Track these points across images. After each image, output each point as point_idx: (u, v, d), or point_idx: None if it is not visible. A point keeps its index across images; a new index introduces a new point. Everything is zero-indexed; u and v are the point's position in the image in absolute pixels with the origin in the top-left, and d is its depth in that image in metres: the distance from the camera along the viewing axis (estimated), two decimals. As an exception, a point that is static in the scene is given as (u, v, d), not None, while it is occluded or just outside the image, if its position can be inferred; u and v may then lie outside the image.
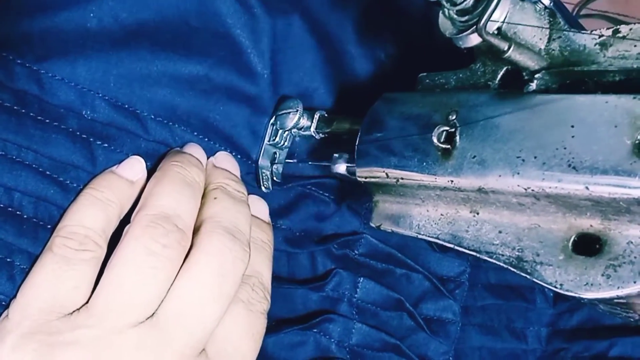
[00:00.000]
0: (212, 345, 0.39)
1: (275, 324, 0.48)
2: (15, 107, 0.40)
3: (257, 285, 0.42)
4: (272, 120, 0.47)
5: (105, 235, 0.38)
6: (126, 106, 0.42)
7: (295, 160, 0.49)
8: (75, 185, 0.40)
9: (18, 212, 0.39)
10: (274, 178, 0.48)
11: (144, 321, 0.36)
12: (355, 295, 0.50)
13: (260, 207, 0.46)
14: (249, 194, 0.45)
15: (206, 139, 0.45)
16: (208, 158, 0.45)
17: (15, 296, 0.37)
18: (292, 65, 0.48)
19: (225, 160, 0.45)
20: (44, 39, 0.40)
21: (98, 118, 0.41)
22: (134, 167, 0.41)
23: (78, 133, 0.41)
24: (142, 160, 0.41)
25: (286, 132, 0.47)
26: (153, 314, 0.37)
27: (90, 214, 0.38)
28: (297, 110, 0.46)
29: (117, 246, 0.37)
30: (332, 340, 0.49)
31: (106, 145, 0.42)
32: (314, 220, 0.50)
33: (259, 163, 0.47)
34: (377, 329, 0.50)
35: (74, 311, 0.36)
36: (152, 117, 0.43)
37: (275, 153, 0.48)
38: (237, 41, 0.45)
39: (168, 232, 0.37)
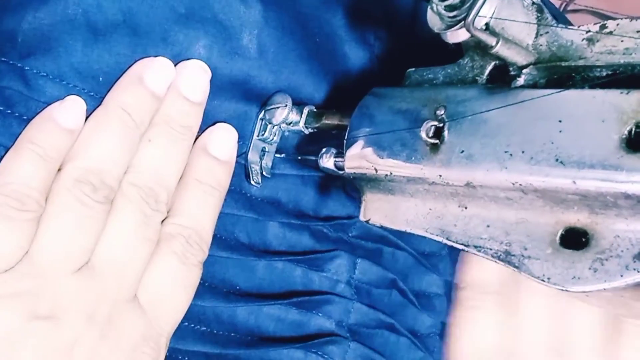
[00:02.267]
0: (144, 294, 0.40)
1: (275, 298, 0.49)
2: (0, 108, 0.40)
3: (194, 237, 0.41)
4: (261, 115, 0.47)
5: (45, 192, 0.38)
6: None
7: (284, 155, 0.49)
8: None
9: None
10: (264, 173, 0.48)
11: (81, 268, 0.38)
12: (354, 276, 0.51)
13: (220, 142, 0.44)
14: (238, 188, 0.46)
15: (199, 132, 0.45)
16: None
17: None
18: (280, 58, 0.48)
19: (191, 67, 0.43)
20: (27, 35, 0.40)
21: (86, 116, 0.41)
22: (74, 112, 0.40)
23: None
24: (82, 102, 0.40)
25: (275, 127, 0.47)
26: (88, 261, 0.38)
27: (32, 171, 0.37)
28: (286, 105, 0.46)
29: (50, 195, 0.38)
30: (332, 320, 0.50)
31: None
32: (311, 203, 0.50)
33: (248, 158, 0.47)
34: (374, 309, 0.51)
35: (13, 264, 0.36)
36: None
37: (264, 148, 0.48)
38: (225, 26, 0.45)
39: (96, 189, 0.38)
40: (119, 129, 0.40)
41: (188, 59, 0.43)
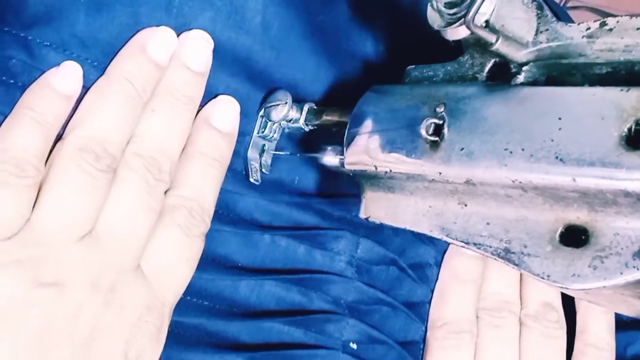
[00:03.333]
0: (148, 264, 0.40)
1: (277, 274, 0.49)
2: (3, 78, 0.40)
3: (196, 209, 0.41)
4: (261, 112, 0.47)
5: (44, 158, 0.38)
6: None
7: (284, 152, 0.49)
8: None
9: None
10: (263, 170, 0.48)
11: (84, 236, 0.38)
12: (355, 255, 0.51)
13: (222, 114, 0.45)
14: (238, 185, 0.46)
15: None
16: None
17: None
18: (283, 35, 0.48)
19: (193, 37, 0.43)
20: (30, 5, 0.40)
21: (87, 84, 0.41)
22: (72, 78, 0.40)
23: None
24: (78, 68, 0.40)
25: (275, 124, 0.47)
26: (91, 230, 0.38)
27: (30, 137, 0.37)
28: (286, 103, 0.46)
29: (52, 163, 0.38)
30: (331, 298, 0.50)
31: None
32: (314, 182, 0.51)
33: (248, 155, 0.47)
34: (373, 287, 0.51)
35: (15, 232, 0.36)
36: None
37: (264, 145, 0.48)
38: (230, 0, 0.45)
39: (99, 158, 0.38)
40: (121, 97, 0.40)
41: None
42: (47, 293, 0.36)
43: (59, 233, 0.37)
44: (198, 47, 0.43)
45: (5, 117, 0.39)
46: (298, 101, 0.47)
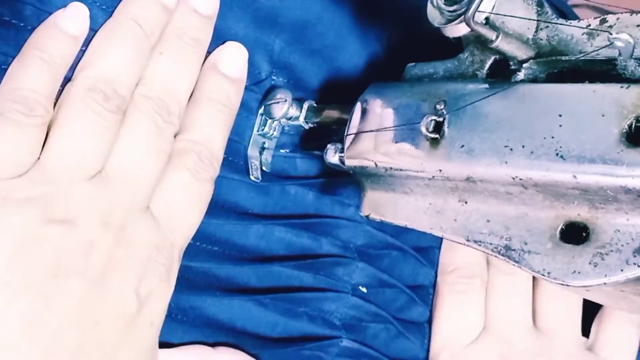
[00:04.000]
0: (157, 205, 0.40)
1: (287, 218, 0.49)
2: (13, 21, 0.40)
3: (205, 153, 0.41)
4: (261, 110, 0.47)
5: (52, 98, 0.38)
6: None
7: (285, 151, 0.49)
8: None
9: None
10: (263, 168, 0.48)
11: (94, 175, 0.38)
12: (358, 243, 0.51)
13: (230, 60, 0.45)
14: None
15: (207, 52, 0.45)
16: None
17: None
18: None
19: None
20: None
21: (96, 28, 0.41)
22: (79, 18, 0.40)
23: None
24: (85, 8, 0.40)
25: (275, 122, 0.47)
26: (101, 170, 0.38)
27: (39, 77, 0.38)
28: (286, 100, 0.46)
29: (61, 103, 0.38)
30: (340, 242, 0.50)
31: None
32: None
33: (248, 153, 0.47)
34: (382, 231, 0.51)
35: (25, 170, 0.37)
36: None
37: (264, 143, 0.48)
38: None
39: (108, 98, 0.38)
40: (129, 39, 0.40)
41: None
42: (57, 230, 0.35)
43: (69, 171, 0.37)
44: None
45: None
46: (298, 99, 0.47)
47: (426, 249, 0.54)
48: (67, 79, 0.39)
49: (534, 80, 0.37)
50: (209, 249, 0.46)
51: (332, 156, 0.44)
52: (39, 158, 0.37)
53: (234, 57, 0.44)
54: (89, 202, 0.37)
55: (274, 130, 0.48)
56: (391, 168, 0.40)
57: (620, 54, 0.34)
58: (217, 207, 0.46)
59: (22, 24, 0.40)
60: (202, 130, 0.42)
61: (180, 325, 0.44)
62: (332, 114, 0.46)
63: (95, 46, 0.40)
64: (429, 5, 0.38)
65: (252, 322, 0.47)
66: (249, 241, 0.48)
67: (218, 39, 0.45)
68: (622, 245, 0.32)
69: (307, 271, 0.49)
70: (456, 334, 0.52)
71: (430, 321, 0.54)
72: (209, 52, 0.44)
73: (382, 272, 0.51)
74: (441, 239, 0.54)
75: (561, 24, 0.37)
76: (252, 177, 0.47)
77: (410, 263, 0.53)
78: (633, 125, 0.32)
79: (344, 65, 0.51)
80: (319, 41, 0.49)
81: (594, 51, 0.35)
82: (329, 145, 0.45)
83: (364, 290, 0.51)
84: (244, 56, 0.45)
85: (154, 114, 0.40)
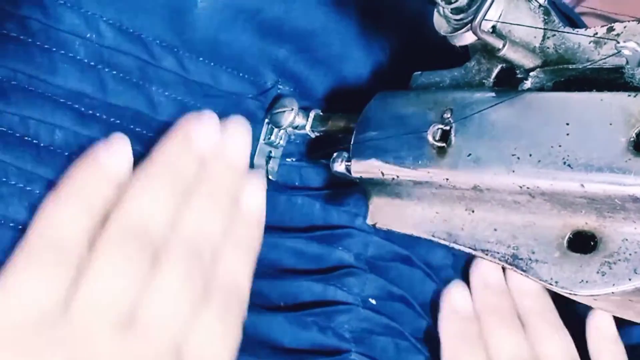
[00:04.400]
0: (187, 354, 0.39)
1: (296, 232, 0.49)
2: (21, 37, 0.40)
3: (233, 297, 0.41)
4: (267, 119, 0.47)
5: (88, 241, 0.37)
6: (130, 30, 0.42)
7: (292, 159, 0.49)
8: (90, 112, 0.41)
9: (35, 141, 0.40)
10: (270, 176, 0.48)
11: (122, 324, 0.37)
12: (368, 254, 0.51)
13: (253, 202, 0.44)
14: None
15: (212, 64, 0.45)
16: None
17: None
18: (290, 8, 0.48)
19: (234, 133, 0.43)
20: None
21: (104, 43, 0.41)
22: (121, 157, 0.40)
23: (86, 61, 0.41)
24: (127, 142, 0.40)
25: (281, 131, 0.47)
26: (130, 317, 0.37)
27: (75, 220, 0.37)
28: (292, 109, 0.46)
29: (95, 247, 0.37)
30: (351, 253, 0.50)
31: (115, 72, 0.42)
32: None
33: (254, 162, 0.47)
34: (391, 241, 0.51)
35: (52, 315, 0.36)
36: (157, 42, 0.43)
37: (270, 151, 0.48)
38: None
39: (143, 246, 0.38)
40: (166, 186, 0.39)
41: None
42: None
43: (96, 319, 0.36)
44: (239, 140, 0.43)
45: (25, 75, 0.39)
46: (304, 108, 0.47)
47: (436, 267, 0.54)
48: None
49: (541, 88, 0.37)
50: None
51: (338, 165, 0.44)
52: (69, 302, 0.36)
53: (257, 197, 0.44)
54: (117, 353, 0.36)
55: (280, 139, 0.48)
56: (398, 177, 0.40)
57: (627, 62, 0.33)
58: None
59: (30, 40, 0.40)
60: (229, 273, 0.42)
61: None
62: (338, 122, 0.46)
63: (131, 191, 0.39)
64: (436, 13, 0.38)
65: (263, 331, 0.47)
66: (260, 252, 0.48)
67: (224, 48, 0.45)
68: (630, 254, 0.32)
69: (318, 282, 0.49)
70: None
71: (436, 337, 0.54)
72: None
73: (391, 285, 0.51)
74: (452, 257, 0.54)
75: (568, 32, 0.37)
76: (258, 186, 0.47)
77: (418, 276, 0.53)
78: (640, 134, 0.32)
79: (350, 74, 0.51)
80: (324, 50, 0.49)
81: (601, 59, 0.35)
82: (335, 155, 0.44)
83: (374, 302, 0.50)
84: (263, 196, 0.45)
85: (187, 261, 0.39)
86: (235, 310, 0.41)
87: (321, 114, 0.47)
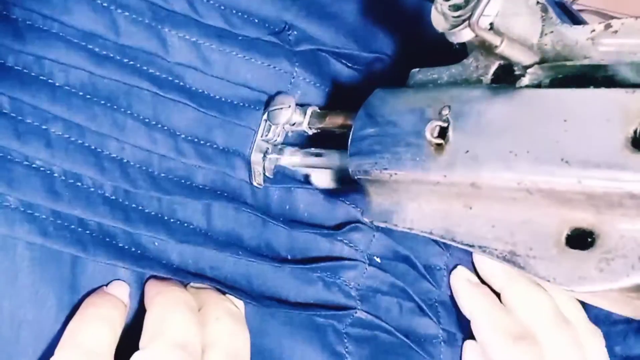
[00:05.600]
0: None
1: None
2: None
3: None
4: (264, 116, 0.47)
5: (112, 354, 0.38)
6: None
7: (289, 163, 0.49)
8: (104, 53, 0.41)
9: (50, 81, 0.41)
10: (266, 173, 0.48)
11: None
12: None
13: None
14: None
15: (223, 8, 0.45)
16: None
17: None
18: None
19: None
20: None
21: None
22: (122, 290, 0.41)
23: (99, 2, 0.41)
24: (126, 286, 0.42)
25: (279, 128, 0.47)
26: None
27: (100, 333, 0.38)
28: (289, 106, 0.46)
29: None
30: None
31: (127, 13, 0.42)
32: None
33: (251, 158, 0.47)
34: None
35: None
36: None
37: (267, 149, 0.48)
38: None
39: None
40: (185, 307, 0.40)
41: None
42: None
43: None
44: None
45: (41, 16, 0.40)
46: (301, 105, 0.47)
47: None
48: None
49: (538, 85, 0.37)
50: (233, 213, 0.47)
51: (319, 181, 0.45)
52: None
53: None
54: None
55: (278, 136, 0.48)
56: (395, 174, 0.40)
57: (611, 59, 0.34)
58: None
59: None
60: None
61: (197, 281, 0.44)
62: (336, 119, 0.46)
63: (154, 317, 0.39)
64: (433, 10, 0.38)
65: (269, 283, 0.47)
66: (273, 203, 0.48)
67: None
68: (628, 251, 0.32)
69: (326, 237, 0.49)
70: None
71: (441, 300, 0.54)
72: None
73: (397, 244, 0.51)
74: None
75: (566, 30, 0.37)
76: (254, 183, 0.47)
77: (423, 240, 0.53)
78: (638, 131, 0.32)
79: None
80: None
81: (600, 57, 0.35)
82: (330, 151, 0.45)
83: (379, 260, 0.51)
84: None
85: None
86: None
87: (319, 110, 0.47)
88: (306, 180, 0.49)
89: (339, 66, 0.50)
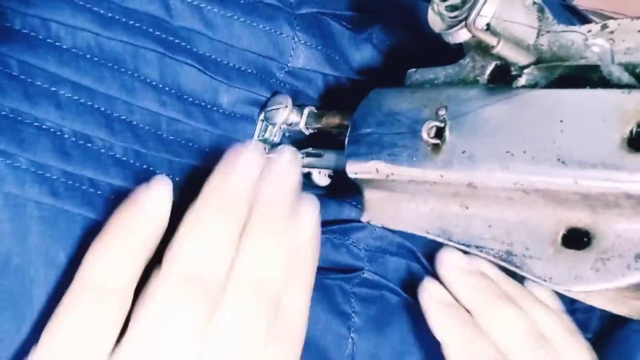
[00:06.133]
0: None
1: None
2: None
3: (296, 333, 0.39)
4: (261, 117, 0.47)
5: (133, 286, 0.36)
6: None
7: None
8: (110, 15, 0.41)
9: (57, 43, 0.41)
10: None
11: None
12: None
13: (309, 223, 0.41)
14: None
15: None
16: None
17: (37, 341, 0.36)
18: None
19: (282, 155, 0.41)
20: None
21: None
22: (162, 197, 0.38)
23: None
24: (169, 183, 0.38)
25: (275, 128, 0.47)
26: None
27: (120, 266, 0.36)
28: (286, 106, 0.46)
29: (143, 296, 0.36)
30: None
31: None
32: None
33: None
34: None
35: None
36: None
37: (264, 149, 0.48)
38: None
39: (197, 295, 0.35)
40: (220, 224, 0.37)
41: None
42: None
43: None
44: (287, 162, 0.40)
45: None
46: (298, 105, 0.47)
47: None
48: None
49: (535, 85, 0.37)
50: None
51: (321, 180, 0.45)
52: (115, 348, 0.35)
53: (311, 216, 0.42)
54: None
55: (275, 136, 0.48)
56: (392, 174, 0.40)
57: (600, 60, 0.34)
58: None
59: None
60: (292, 312, 0.39)
61: None
62: (332, 119, 0.46)
63: (184, 233, 0.37)
64: (430, 11, 0.38)
65: None
66: None
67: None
68: (624, 251, 0.32)
69: (332, 197, 0.49)
70: None
71: None
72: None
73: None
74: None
75: (562, 31, 0.37)
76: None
77: None
78: (634, 131, 0.32)
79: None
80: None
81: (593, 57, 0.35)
82: (327, 151, 0.45)
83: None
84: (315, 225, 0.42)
85: (251, 299, 0.37)
86: (297, 348, 0.39)
87: (315, 110, 0.47)
88: (307, 178, 0.49)
89: (340, 28, 0.50)
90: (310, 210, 0.41)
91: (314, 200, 0.42)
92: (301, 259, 0.40)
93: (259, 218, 0.38)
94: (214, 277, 0.36)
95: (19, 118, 0.39)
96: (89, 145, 0.41)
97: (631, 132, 0.32)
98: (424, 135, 0.38)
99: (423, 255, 0.51)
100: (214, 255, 0.37)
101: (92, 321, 0.35)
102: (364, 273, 0.50)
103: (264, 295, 0.37)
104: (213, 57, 0.45)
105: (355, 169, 0.42)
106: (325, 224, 0.48)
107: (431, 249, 0.51)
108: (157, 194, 0.38)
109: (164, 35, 0.43)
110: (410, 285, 0.51)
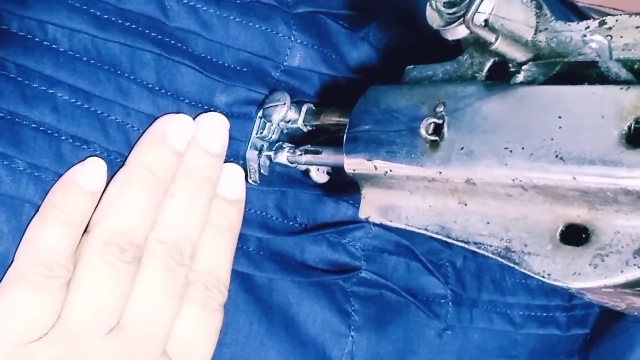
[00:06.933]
0: (172, 346, 0.40)
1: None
2: None
3: (212, 282, 0.42)
4: (259, 114, 0.47)
5: (72, 256, 0.38)
6: None
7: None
8: (105, 17, 0.41)
9: (54, 46, 0.41)
10: (262, 171, 0.48)
11: (112, 329, 0.38)
12: None
13: (229, 185, 0.44)
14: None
15: None
16: None
17: None
18: None
19: (209, 123, 0.44)
20: None
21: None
22: (96, 173, 0.40)
23: None
24: (103, 164, 0.41)
25: (274, 125, 0.47)
26: (118, 321, 0.39)
27: (58, 238, 0.38)
28: (284, 103, 0.46)
29: (78, 258, 0.38)
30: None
31: None
32: None
33: (247, 156, 0.47)
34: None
35: (45, 332, 0.37)
36: None
37: (262, 146, 0.48)
38: None
39: (124, 250, 0.38)
40: (143, 189, 0.40)
41: None
42: None
43: (87, 328, 0.38)
44: (214, 129, 0.44)
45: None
46: (297, 102, 0.47)
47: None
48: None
49: (533, 82, 0.37)
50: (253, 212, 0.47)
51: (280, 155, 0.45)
52: (60, 315, 0.37)
53: (232, 179, 0.45)
54: (107, 357, 0.38)
55: (273, 133, 0.48)
56: (391, 170, 0.40)
57: (598, 56, 0.34)
58: None
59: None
60: (207, 259, 0.42)
61: None
62: (331, 117, 0.46)
63: (109, 197, 0.40)
64: (428, 7, 0.38)
65: (273, 245, 0.48)
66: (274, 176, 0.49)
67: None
68: (622, 247, 0.32)
69: (331, 198, 0.49)
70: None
71: (450, 261, 0.54)
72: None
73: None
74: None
75: (560, 27, 0.37)
76: (250, 181, 0.47)
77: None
78: (632, 127, 0.32)
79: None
80: None
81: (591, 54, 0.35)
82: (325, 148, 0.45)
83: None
84: (241, 176, 0.45)
85: (168, 258, 0.40)
86: (216, 296, 0.42)
87: (314, 108, 0.47)
88: (305, 175, 0.49)
89: (336, 27, 0.50)
90: (232, 176, 0.44)
91: (236, 168, 0.45)
92: (220, 220, 0.43)
93: (179, 182, 0.41)
94: (137, 237, 0.39)
95: (16, 120, 0.39)
96: (84, 147, 0.41)
97: (629, 128, 0.32)
98: (422, 131, 0.38)
99: (424, 253, 0.51)
100: (136, 218, 0.39)
101: (36, 294, 0.37)
102: (361, 272, 0.50)
103: (178, 253, 0.40)
104: (209, 57, 0.45)
105: (353, 166, 0.42)
106: (322, 226, 0.49)
107: (430, 247, 0.52)
108: (91, 168, 0.40)
109: (160, 37, 0.43)
110: (411, 284, 0.51)
